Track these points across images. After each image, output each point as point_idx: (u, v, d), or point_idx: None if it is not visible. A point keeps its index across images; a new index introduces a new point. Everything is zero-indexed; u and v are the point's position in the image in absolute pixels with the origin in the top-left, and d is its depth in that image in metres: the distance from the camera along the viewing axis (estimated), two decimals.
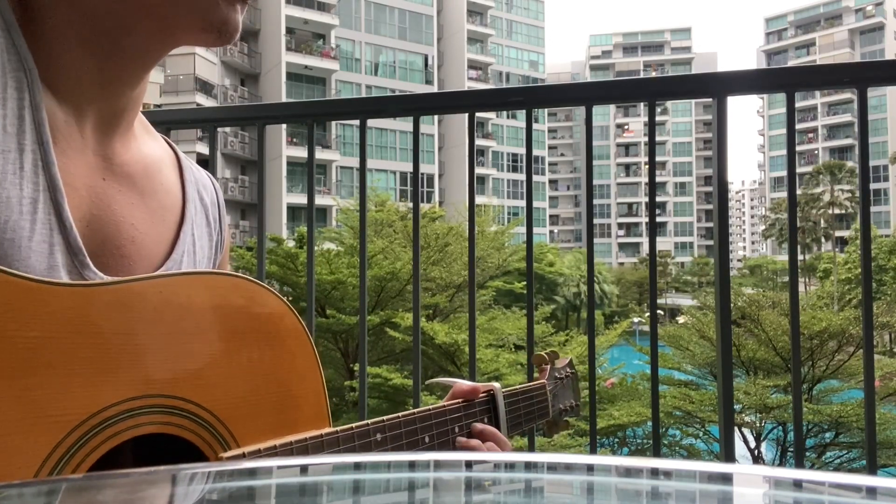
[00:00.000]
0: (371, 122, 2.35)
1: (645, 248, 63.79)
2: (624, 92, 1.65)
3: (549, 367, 1.06)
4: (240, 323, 0.61)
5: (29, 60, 0.56)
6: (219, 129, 1.79)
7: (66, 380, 0.49)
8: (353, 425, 0.66)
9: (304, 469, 0.45)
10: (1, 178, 0.53)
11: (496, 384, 0.88)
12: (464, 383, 0.86)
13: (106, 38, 0.60)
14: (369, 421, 0.68)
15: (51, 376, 0.48)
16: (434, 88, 39.52)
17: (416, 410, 0.74)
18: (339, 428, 0.65)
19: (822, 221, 48.91)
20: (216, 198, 0.80)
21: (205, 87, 31.97)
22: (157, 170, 0.70)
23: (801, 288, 33.66)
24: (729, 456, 1.54)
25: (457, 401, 0.82)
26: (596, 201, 24.12)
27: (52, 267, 0.56)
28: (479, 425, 0.83)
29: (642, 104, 1.59)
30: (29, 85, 0.56)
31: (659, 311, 14.28)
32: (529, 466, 0.44)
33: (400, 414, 0.71)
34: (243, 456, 0.58)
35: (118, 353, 0.52)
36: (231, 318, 0.60)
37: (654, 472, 0.41)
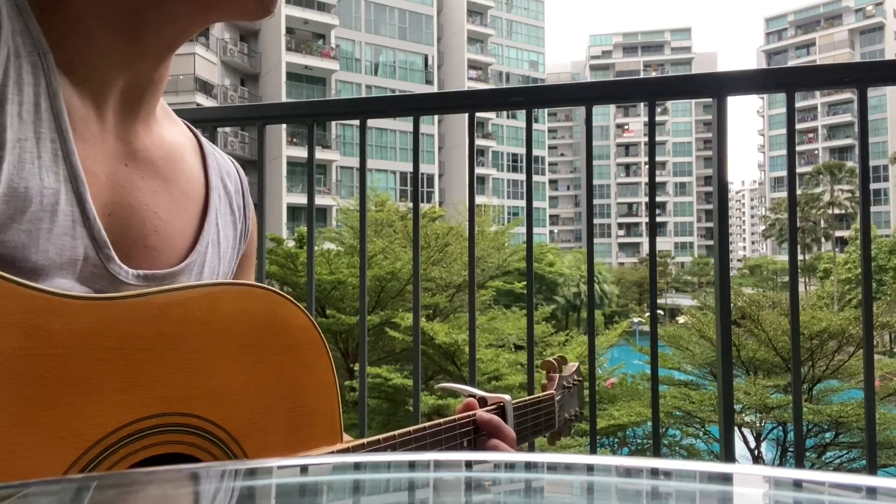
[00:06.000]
0: (371, 122, 2.35)
1: (645, 248, 63.78)
2: (624, 92, 1.65)
3: (557, 375, 1.04)
4: (259, 336, 0.59)
5: (43, 44, 0.54)
6: (219, 129, 1.79)
7: (82, 399, 0.48)
8: (365, 441, 0.65)
9: (304, 469, 0.45)
10: (18, 168, 0.51)
11: (507, 396, 0.87)
12: (474, 393, 0.85)
13: (135, 14, 0.58)
14: (380, 436, 0.67)
15: (67, 395, 0.47)
16: (434, 88, 39.51)
17: (427, 424, 0.74)
18: (350, 444, 0.64)
19: (822, 221, 48.91)
20: (240, 185, 0.77)
21: (205, 87, 31.95)
22: (180, 156, 0.68)
23: (801, 288, 33.66)
24: (729, 456, 1.54)
25: (467, 414, 0.81)
26: (596, 201, 24.10)
27: (73, 261, 0.54)
28: (494, 441, 0.81)
29: (642, 104, 1.59)
30: (44, 70, 0.53)
31: (659, 311, 14.28)
32: (529, 466, 0.44)
33: (411, 428, 0.71)
34: None
35: (135, 370, 0.51)
36: (250, 331, 0.59)
37: (654, 472, 0.41)
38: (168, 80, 0.67)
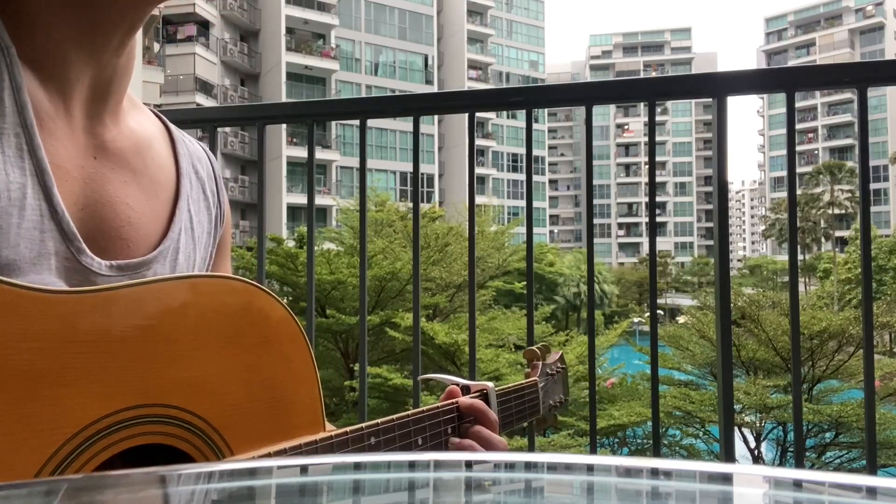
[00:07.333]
0: (371, 122, 2.36)
1: (645, 248, 63.77)
2: (624, 92, 1.65)
3: (540, 363, 1.06)
4: (237, 328, 0.60)
5: (5, 40, 0.54)
6: (219, 129, 1.79)
7: (59, 391, 0.47)
8: (348, 429, 0.65)
9: (304, 469, 0.45)
10: None
11: (489, 384, 0.88)
12: (457, 382, 0.86)
13: (89, 5, 0.58)
14: (364, 424, 0.67)
15: (42, 388, 0.47)
16: (434, 88, 39.51)
17: (409, 412, 0.73)
18: (333, 433, 0.64)
19: (822, 221, 48.93)
20: (212, 170, 0.77)
21: (205, 87, 31.95)
22: (148, 145, 0.68)
23: (801, 288, 33.66)
24: (729, 456, 1.54)
25: (451, 401, 0.82)
26: (596, 201, 24.12)
27: (42, 255, 0.54)
28: (477, 427, 0.82)
29: (642, 104, 1.59)
30: (8, 65, 0.53)
31: (659, 311, 14.29)
32: (529, 466, 0.44)
33: (394, 416, 0.70)
34: None
35: (112, 362, 0.50)
36: (228, 322, 0.59)
37: (654, 472, 0.41)
38: (133, 69, 0.66)
